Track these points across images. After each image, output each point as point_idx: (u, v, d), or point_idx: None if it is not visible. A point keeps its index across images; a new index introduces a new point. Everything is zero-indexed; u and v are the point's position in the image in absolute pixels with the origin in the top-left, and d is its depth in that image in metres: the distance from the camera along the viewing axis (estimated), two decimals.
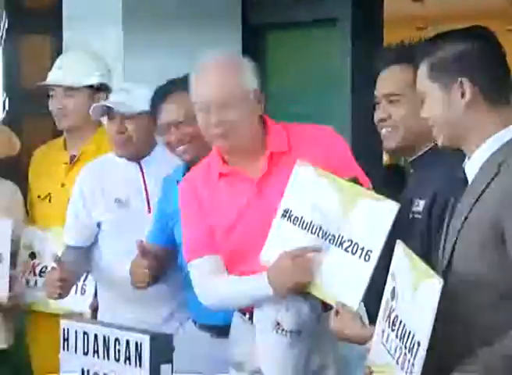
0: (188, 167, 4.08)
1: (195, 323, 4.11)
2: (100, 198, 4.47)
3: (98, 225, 4.47)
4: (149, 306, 4.22)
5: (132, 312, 4.21)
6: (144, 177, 4.39)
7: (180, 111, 4.04)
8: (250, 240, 3.59)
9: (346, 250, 3.31)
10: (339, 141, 3.77)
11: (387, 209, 3.22)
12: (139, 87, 4.49)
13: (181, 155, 4.10)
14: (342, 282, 3.32)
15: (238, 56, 3.84)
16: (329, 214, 3.40)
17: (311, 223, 3.44)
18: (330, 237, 3.37)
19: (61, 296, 4.30)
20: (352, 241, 3.29)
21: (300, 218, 3.48)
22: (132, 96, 4.39)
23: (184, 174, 4.05)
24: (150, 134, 4.37)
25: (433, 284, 2.76)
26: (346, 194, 3.38)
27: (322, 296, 3.41)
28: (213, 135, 3.60)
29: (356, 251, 3.27)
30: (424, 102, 3.07)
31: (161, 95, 4.10)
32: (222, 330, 3.86)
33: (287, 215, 3.52)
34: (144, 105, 4.26)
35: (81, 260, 4.48)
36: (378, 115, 3.62)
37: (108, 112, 4.37)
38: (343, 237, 3.32)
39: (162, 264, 4.12)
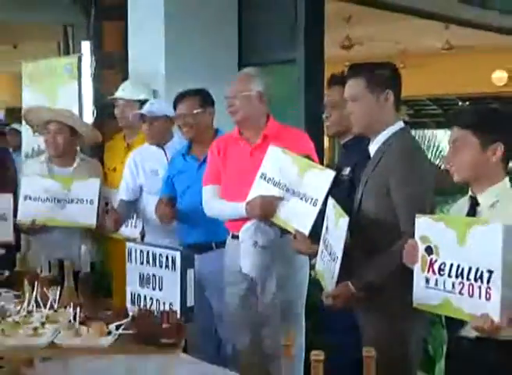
0: (189, 145, 4.14)
1: (180, 244, 4.04)
2: (141, 170, 4.41)
3: (141, 187, 4.41)
4: (167, 235, 4.16)
5: (161, 238, 4.15)
6: (166, 157, 4.32)
7: (187, 107, 4.04)
8: (239, 181, 3.65)
9: (301, 199, 3.31)
10: (308, 141, 3.78)
11: (327, 174, 3.23)
12: (160, 102, 4.52)
13: (185, 134, 4.11)
14: (298, 217, 3.32)
15: (252, 72, 3.88)
16: (291, 176, 3.38)
17: (279, 181, 3.44)
18: (291, 191, 3.37)
19: (115, 230, 4.33)
20: (305, 194, 3.29)
21: (272, 178, 3.47)
22: (155, 107, 4.34)
23: (187, 149, 4.14)
24: (168, 130, 4.33)
25: (344, 220, 2.86)
26: (302, 164, 3.38)
27: (284, 225, 3.42)
28: (229, 112, 3.74)
29: (307, 199, 3.28)
30: (353, 103, 3.08)
31: (179, 97, 4.11)
32: (198, 248, 3.78)
33: (263, 176, 3.51)
34: (162, 112, 4.27)
35: (129, 208, 4.42)
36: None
37: (142, 117, 4.35)
38: (299, 191, 3.32)
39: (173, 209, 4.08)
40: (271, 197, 3.42)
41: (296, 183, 3.35)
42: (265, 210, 3.43)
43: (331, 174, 3.21)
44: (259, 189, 3.50)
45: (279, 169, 3.44)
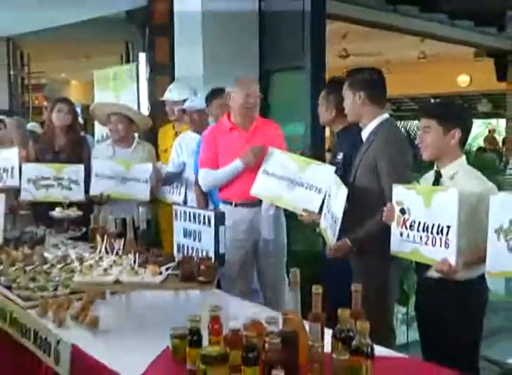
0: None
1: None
2: (184, 150, 4.43)
3: (184, 164, 4.44)
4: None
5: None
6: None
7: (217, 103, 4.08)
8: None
9: (305, 188, 3.26)
10: (279, 128, 3.78)
11: (329, 168, 3.18)
12: (198, 99, 4.47)
13: (214, 121, 4.10)
14: (305, 201, 3.25)
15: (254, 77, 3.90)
16: (292, 170, 3.34)
17: (282, 175, 3.38)
18: (294, 182, 3.32)
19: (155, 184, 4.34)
20: (309, 184, 3.25)
21: (274, 173, 3.41)
22: (194, 103, 4.37)
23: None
24: (204, 120, 4.32)
25: (343, 190, 2.83)
26: (301, 161, 3.34)
27: (292, 207, 3.35)
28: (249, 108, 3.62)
29: (312, 188, 3.23)
30: (347, 99, 3.07)
31: (210, 94, 4.16)
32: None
33: (266, 172, 3.45)
34: (200, 107, 4.29)
35: (173, 176, 4.46)
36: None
37: (184, 111, 4.41)
38: (303, 182, 3.28)
39: None
40: (260, 146, 3.50)
41: (298, 176, 3.29)
42: (256, 155, 3.49)
43: (332, 168, 3.16)
44: (263, 182, 3.45)
45: (280, 166, 3.38)
